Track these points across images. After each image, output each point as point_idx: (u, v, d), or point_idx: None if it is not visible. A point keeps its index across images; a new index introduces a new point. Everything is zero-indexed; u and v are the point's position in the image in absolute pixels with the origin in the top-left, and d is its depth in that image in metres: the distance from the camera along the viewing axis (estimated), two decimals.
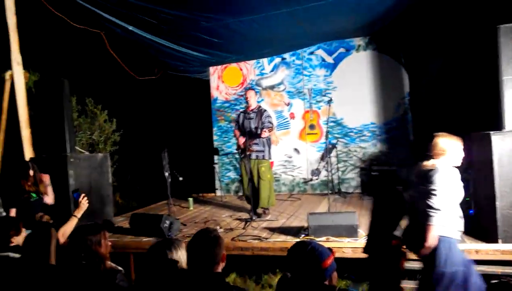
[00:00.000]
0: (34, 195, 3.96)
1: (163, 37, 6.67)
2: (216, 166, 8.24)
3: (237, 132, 5.76)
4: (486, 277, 3.54)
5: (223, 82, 8.46)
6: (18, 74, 5.39)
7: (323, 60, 7.77)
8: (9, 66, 5.29)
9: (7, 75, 5.30)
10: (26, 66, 5.45)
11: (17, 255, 2.68)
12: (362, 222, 4.92)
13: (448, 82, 6.61)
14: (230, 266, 4.61)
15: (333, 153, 7.48)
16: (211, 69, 8.51)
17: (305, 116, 7.87)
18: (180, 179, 6.14)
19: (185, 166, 7.36)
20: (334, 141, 7.54)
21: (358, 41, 7.54)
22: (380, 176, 6.82)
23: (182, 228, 5.25)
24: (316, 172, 7.70)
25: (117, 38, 6.71)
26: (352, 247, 4.04)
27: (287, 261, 1.72)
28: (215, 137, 8.47)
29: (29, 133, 5.43)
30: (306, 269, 1.63)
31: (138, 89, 8.69)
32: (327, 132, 6.60)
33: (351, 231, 4.22)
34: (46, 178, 4.20)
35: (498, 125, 3.93)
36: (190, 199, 6.84)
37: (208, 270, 2.00)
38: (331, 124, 7.54)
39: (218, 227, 5.14)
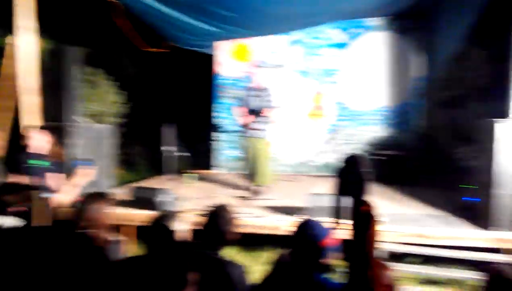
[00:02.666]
0: (41, 162, 3.91)
1: (173, 8, 6.50)
2: (216, 143, 8.20)
3: (239, 110, 5.71)
4: (479, 263, 3.57)
5: (230, 58, 8.30)
6: (28, 40, 5.22)
7: (336, 39, 7.55)
8: (13, 32, 5.15)
9: (12, 40, 5.16)
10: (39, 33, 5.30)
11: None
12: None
13: (463, 67, 6.44)
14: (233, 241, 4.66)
15: (340, 135, 7.39)
16: (217, 43, 8.33)
17: (314, 97, 7.75)
18: (185, 154, 6.12)
19: (186, 142, 7.35)
20: (341, 123, 7.43)
21: (374, 21, 7.32)
22: (387, 161, 6.72)
23: (181, 203, 5.26)
24: (320, 153, 7.65)
25: (126, 8, 6.56)
26: (347, 228, 4.04)
27: (290, 237, 1.74)
28: (215, 114, 8.39)
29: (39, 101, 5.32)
30: (305, 246, 1.66)
31: (148, 62, 8.57)
32: (336, 114, 6.54)
33: (348, 213, 4.20)
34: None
35: (504, 112, 3.86)
36: (189, 175, 6.84)
37: (212, 247, 2.03)
38: (340, 106, 7.42)
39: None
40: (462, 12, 5.76)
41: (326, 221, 4.02)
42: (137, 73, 8.92)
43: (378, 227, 1.26)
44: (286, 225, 4.29)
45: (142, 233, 2.21)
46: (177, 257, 2.05)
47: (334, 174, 1.38)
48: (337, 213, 1.42)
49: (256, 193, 5.62)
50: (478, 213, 4.08)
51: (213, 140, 8.20)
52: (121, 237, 2.68)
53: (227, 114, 8.18)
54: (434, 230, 3.93)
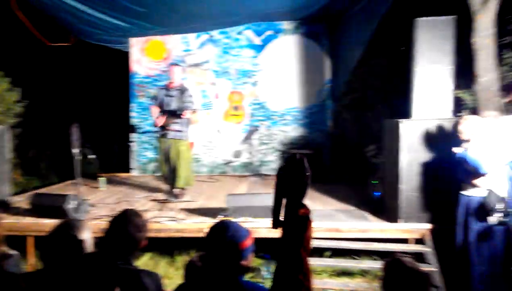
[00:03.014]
0: None
1: (79, 1, 6.03)
2: (133, 145, 7.81)
3: (155, 109, 5.45)
4: (386, 254, 3.81)
5: (145, 55, 7.98)
6: None
7: (251, 41, 7.68)
8: None
9: None
10: None
11: None
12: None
13: (367, 71, 6.93)
14: (142, 248, 4.41)
15: (256, 135, 7.50)
16: (132, 40, 7.96)
17: (229, 97, 7.75)
18: (91, 156, 5.69)
19: (98, 143, 6.87)
20: (257, 123, 7.55)
21: (286, 24, 7.56)
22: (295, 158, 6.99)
23: (91, 209, 4.88)
24: (237, 154, 7.68)
25: None
26: (267, 227, 4.07)
27: (205, 240, 1.63)
28: (133, 114, 8.01)
29: None
30: (224, 249, 1.59)
31: (49, 57, 7.85)
32: (251, 114, 6.61)
33: (268, 212, 4.22)
34: None
35: (408, 113, 4.17)
36: (101, 179, 6.40)
37: (120, 256, 1.84)
38: (255, 106, 7.53)
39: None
40: (364, 20, 6.19)
41: (244, 221, 4.08)
42: (42, 70, 8.15)
43: (312, 230, 1.25)
44: (208, 227, 4.20)
45: (42, 244, 1.94)
46: (81, 270, 1.83)
47: (274, 174, 1.33)
48: (276, 214, 1.35)
49: (176, 195, 5.43)
50: (387, 207, 4.37)
51: (131, 141, 7.78)
52: (14, 251, 2.38)
53: (146, 115, 7.83)
54: (346, 224, 4.13)
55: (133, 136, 7.83)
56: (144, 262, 4.39)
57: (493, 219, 3.15)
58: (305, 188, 1.30)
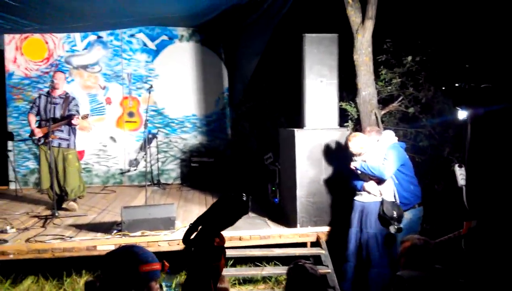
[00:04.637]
0: None
1: None
2: (10, 154, 6.90)
3: (32, 118, 5.01)
4: (288, 259, 3.99)
5: (23, 54, 7.13)
6: None
7: (145, 45, 7.40)
8: None
9: None
10: None
11: None
12: (180, 213, 4.89)
13: (263, 81, 7.21)
14: (25, 271, 3.96)
15: (153, 143, 7.23)
16: (7, 37, 7.04)
17: (123, 102, 7.35)
18: None
19: None
20: (154, 131, 7.29)
21: (181, 31, 7.46)
22: (199, 167, 6.99)
23: None
24: (134, 163, 7.30)
25: None
26: (168, 240, 3.97)
27: (102, 262, 1.50)
28: (10, 120, 7.07)
29: None
30: (120, 273, 1.45)
31: None
32: (147, 121, 6.32)
33: (168, 223, 4.12)
34: None
35: (301, 123, 4.43)
36: None
37: None
38: (152, 113, 7.26)
39: (8, 227, 4.27)
40: (258, 30, 6.46)
41: (141, 235, 3.88)
42: None
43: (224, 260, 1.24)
44: (100, 244, 3.90)
45: None
46: None
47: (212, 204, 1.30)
48: (190, 232, 1.30)
49: (66, 209, 4.96)
50: (286, 213, 4.57)
51: (8, 150, 6.85)
52: None
53: (25, 120, 6.96)
54: (248, 232, 4.19)
55: (11, 144, 6.91)
56: (26, 286, 3.90)
57: (393, 228, 3.44)
58: (231, 224, 1.30)
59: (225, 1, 5.90)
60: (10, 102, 7.09)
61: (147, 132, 6.63)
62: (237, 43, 7.36)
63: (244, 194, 1.27)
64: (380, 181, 3.63)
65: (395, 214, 3.48)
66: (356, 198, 3.80)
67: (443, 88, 4.71)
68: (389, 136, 3.93)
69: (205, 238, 1.24)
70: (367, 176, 3.68)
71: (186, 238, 1.31)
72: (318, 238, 4.17)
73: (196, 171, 7.08)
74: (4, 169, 7.00)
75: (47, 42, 7.17)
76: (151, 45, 7.42)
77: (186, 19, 6.94)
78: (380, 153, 3.71)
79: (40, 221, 4.60)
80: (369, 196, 3.69)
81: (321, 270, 3.59)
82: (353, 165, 3.75)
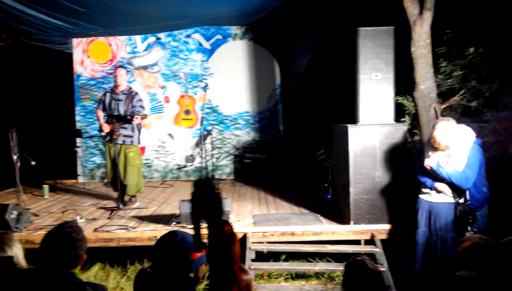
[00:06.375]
0: None
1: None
2: (79, 150, 7.46)
3: (100, 113, 5.24)
4: (340, 255, 3.97)
5: (89, 57, 7.66)
6: None
7: (200, 44, 7.64)
8: None
9: None
10: None
11: None
12: (234, 207, 5.02)
13: (315, 77, 7.16)
14: (93, 258, 4.26)
15: (208, 140, 7.46)
16: (75, 41, 7.60)
17: (180, 101, 7.65)
18: (33, 163, 5.35)
19: (41, 149, 6.48)
20: (209, 128, 7.51)
21: (235, 29, 7.60)
22: (252, 163, 7.11)
23: (34, 219, 4.61)
24: (190, 158, 7.59)
25: None
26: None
27: (154, 250, 1.62)
28: (78, 118, 7.64)
29: None
30: (172, 260, 1.58)
31: None
32: (202, 118, 6.53)
33: (223, 217, 4.23)
34: None
35: (355, 119, 4.36)
36: (45, 186, 6.05)
37: (61, 272, 1.74)
38: (207, 110, 7.49)
39: (78, 217, 4.65)
40: (309, 27, 6.40)
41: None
42: None
43: (238, 244, 1.31)
44: (157, 236, 4.11)
45: None
46: (17, 288, 1.73)
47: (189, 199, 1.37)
48: (197, 237, 1.39)
49: (127, 202, 5.26)
50: (338, 209, 4.53)
51: (77, 147, 7.42)
52: None
53: (91, 118, 7.51)
54: (300, 228, 4.23)
55: (79, 141, 7.48)
56: (94, 273, 4.22)
57: (469, 234, 3.11)
58: (220, 205, 1.36)
59: None
60: (78, 101, 7.65)
61: (203, 129, 6.87)
62: (289, 40, 7.38)
63: (202, 176, 1.34)
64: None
65: (470, 218, 3.22)
66: (422, 196, 3.49)
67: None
68: (469, 134, 3.36)
69: (214, 230, 1.30)
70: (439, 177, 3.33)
71: (198, 243, 1.38)
72: (372, 236, 4.08)
73: (248, 167, 7.20)
74: (73, 163, 7.59)
75: (110, 45, 7.64)
76: (206, 44, 7.64)
77: (240, 18, 7.07)
78: (461, 155, 3.24)
79: (106, 212, 4.93)
80: (439, 196, 3.36)
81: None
82: (428, 163, 3.33)
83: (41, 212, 5.00)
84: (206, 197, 1.35)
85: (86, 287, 1.78)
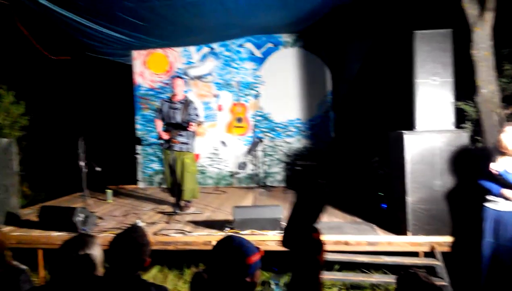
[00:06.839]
0: None
1: (79, 15, 6.11)
2: (139, 157, 7.86)
3: (159, 122, 5.50)
4: (397, 267, 3.84)
5: (148, 68, 8.07)
6: None
7: (252, 53, 7.77)
8: None
9: None
10: None
11: None
12: (286, 215, 5.02)
13: (367, 83, 7.03)
14: (152, 260, 4.43)
15: (260, 147, 7.54)
16: (135, 53, 8.05)
17: (232, 109, 7.82)
18: (98, 169, 5.72)
19: (104, 156, 6.90)
20: (260, 135, 7.61)
21: (286, 37, 7.66)
22: (303, 171, 7.09)
23: (99, 222, 4.92)
24: (242, 165, 7.72)
25: (28, 12, 6.01)
26: (275, 240, 4.09)
27: (211, 254, 1.65)
28: (138, 127, 8.06)
29: None
30: (229, 264, 1.58)
31: (51, 70, 7.92)
32: (254, 126, 6.62)
33: (275, 224, 4.27)
34: None
35: (411, 125, 4.23)
36: (108, 191, 6.44)
37: (129, 274, 1.87)
38: (258, 118, 7.60)
39: (139, 221, 4.89)
40: (360, 33, 6.28)
41: (251, 234, 4.10)
42: (45, 83, 8.21)
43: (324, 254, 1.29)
44: (215, 240, 4.22)
45: (52, 259, 1.96)
46: (89, 286, 1.86)
47: (294, 194, 1.35)
48: (289, 233, 1.39)
49: (182, 207, 5.45)
50: (395, 219, 4.38)
51: (137, 153, 7.84)
52: (24, 266, 2.40)
53: (150, 127, 7.90)
54: (355, 237, 4.14)
55: (139, 148, 7.88)
56: (153, 275, 4.41)
57: None
58: (321, 213, 1.33)
59: (324, 3, 5.91)
60: (138, 111, 8.08)
61: (254, 136, 6.98)
62: (340, 46, 7.31)
63: (319, 180, 1.29)
64: None
65: None
66: (489, 205, 3.34)
67: None
68: None
69: (304, 234, 1.29)
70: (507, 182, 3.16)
71: (286, 241, 1.36)
72: (432, 248, 3.90)
73: (299, 175, 7.19)
74: (133, 170, 8.01)
75: (167, 56, 8.00)
76: (258, 53, 7.77)
77: (291, 26, 7.14)
78: None
79: (165, 217, 5.14)
80: (508, 204, 3.20)
81: (436, 282, 3.38)
82: (494, 167, 3.21)
83: (105, 215, 5.32)
84: (313, 199, 1.33)
85: (151, 288, 1.89)
